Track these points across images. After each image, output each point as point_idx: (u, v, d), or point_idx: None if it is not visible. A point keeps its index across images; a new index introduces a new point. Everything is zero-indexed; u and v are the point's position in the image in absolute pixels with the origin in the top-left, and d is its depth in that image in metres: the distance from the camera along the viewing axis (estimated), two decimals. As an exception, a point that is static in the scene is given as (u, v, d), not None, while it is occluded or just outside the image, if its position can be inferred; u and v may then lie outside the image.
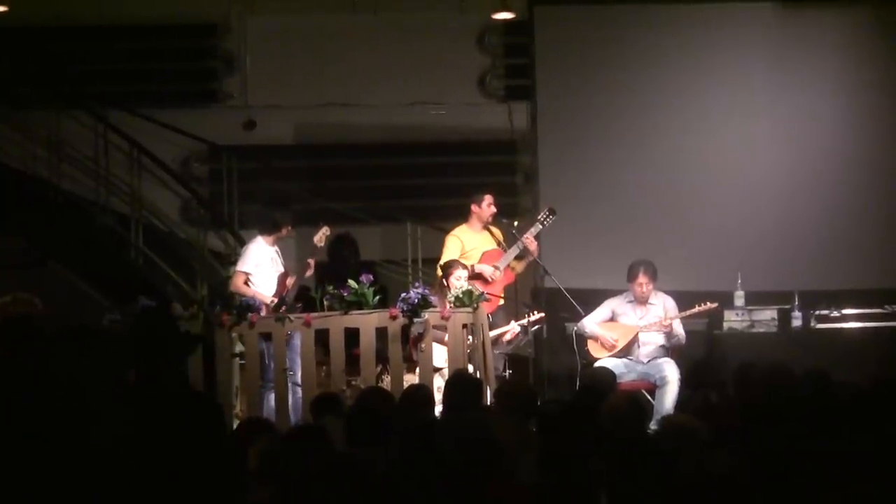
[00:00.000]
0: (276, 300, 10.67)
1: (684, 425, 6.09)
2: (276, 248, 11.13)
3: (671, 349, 11.45)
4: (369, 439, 6.33)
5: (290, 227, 11.18)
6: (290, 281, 10.91)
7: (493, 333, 10.80)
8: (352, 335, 10.32)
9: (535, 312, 11.58)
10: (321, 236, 11.01)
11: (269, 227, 11.13)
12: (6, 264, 12.77)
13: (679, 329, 11.43)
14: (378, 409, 6.89)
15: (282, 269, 11.03)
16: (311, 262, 10.91)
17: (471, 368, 10.23)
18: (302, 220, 11.67)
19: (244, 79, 14.87)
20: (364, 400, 7.52)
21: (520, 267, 11.68)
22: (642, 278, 11.43)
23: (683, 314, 11.50)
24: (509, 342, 11.47)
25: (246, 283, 10.93)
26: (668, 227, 12.54)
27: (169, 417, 4.65)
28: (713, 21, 12.87)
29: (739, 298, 12.10)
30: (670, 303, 11.54)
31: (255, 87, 14.80)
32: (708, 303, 11.51)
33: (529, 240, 11.50)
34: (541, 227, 11.62)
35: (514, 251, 11.55)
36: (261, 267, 10.98)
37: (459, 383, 8.14)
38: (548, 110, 12.89)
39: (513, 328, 11.31)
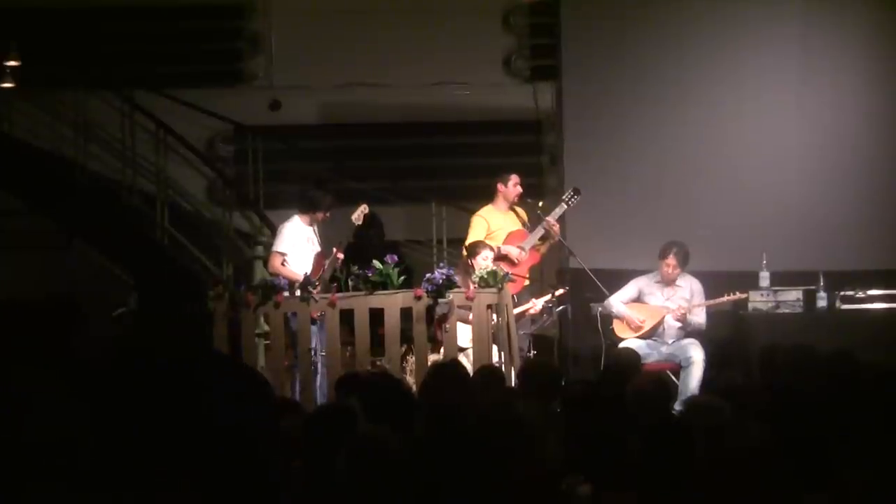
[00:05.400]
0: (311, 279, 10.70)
1: (709, 405, 6.09)
2: (314, 227, 11.18)
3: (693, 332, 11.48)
4: (390, 420, 6.33)
5: (327, 213, 11.23)
6: (325, 262, 10.96)
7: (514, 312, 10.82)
8: (376, 315, 10.34)
9: (558, 289, 11.62)
10: (359, 214, 11.05)
11: (307, 207, 11.18)
12: (33, 245, 12.85)
13: (696, 319, 11.42)
14: (396, 392, 6.88)
15: (318, 249, 11.07)
16: (340, 254, 10.93)
17: (495, 349, 10.26)
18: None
19: (269, 59, 14.90)
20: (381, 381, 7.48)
21: (543, 248, 11.69)
22: (672, 260, 11.43)
23: (711, 302, 11.51)
24: (533, 321, 11.49)
25: (283, 263, 10.98)
26: (693, 207, 12.51)
27: None
28: (741, 2, 12.83)
29: (764, 279, 12.07)
30: (697, 286, 11.54)
31: (281, 67, 14.83)
32: (737, 292, 11.52)
33: (551, 222, 11.51)
34: (565, 207, 11.63)
35: (538, 232, 11.56)
36: (297, 247, 11.02)
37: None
38: (573, 91, 12.85)
39: (533, 304, 11.33)
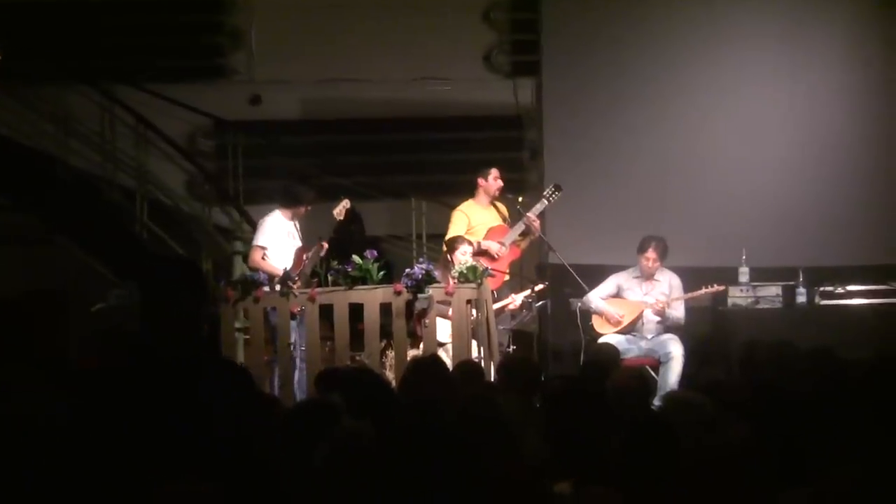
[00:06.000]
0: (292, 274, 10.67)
1: (688, 401, 6.10)
2: (294, 222, 11.15)
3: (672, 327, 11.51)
4: (369, 415, 6.32)
5: (308, 207, 11.19)
6: (306, 256, 10.92)
7: (494, 307, 10.82)
8: (356, 311, 10.33)
9: (538, 285, 11.63)
10: (341, 209, 11.00)
11: (289, 201, 11.15)
12: (14, 240, 12.80)
13: (674, 313, 11.46)
14: (375, 387, 6.88)
15: (299, 244, 11.04)
16: (325, 244, 10.89)
17: (475, 344, 10.26)
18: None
19: (250, 54, 14.84)
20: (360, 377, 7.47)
21: (523, 244, 11.70)
22: (651, 254, 11.46)
23: (689, 295, 11.54)
24: (513, 316, 11.49)
25: (263, 257, 10.95)
26: (673, 203, 12.53)
27: None
28: (722, -1, 12.87)
29: (744, 275, 12.10)
30: (676, 281, 11.57)
31: (261, 62, 14.78)
32: (715, 285, 11.55)
33: (531, 218, 11.52)
34: (546, 203, 11.64)
35: (519, 227, 11.57)
36: (277, 241, 10.99)
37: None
38: (554, 86, 12.87)
39: (512, 299, 11.34)
